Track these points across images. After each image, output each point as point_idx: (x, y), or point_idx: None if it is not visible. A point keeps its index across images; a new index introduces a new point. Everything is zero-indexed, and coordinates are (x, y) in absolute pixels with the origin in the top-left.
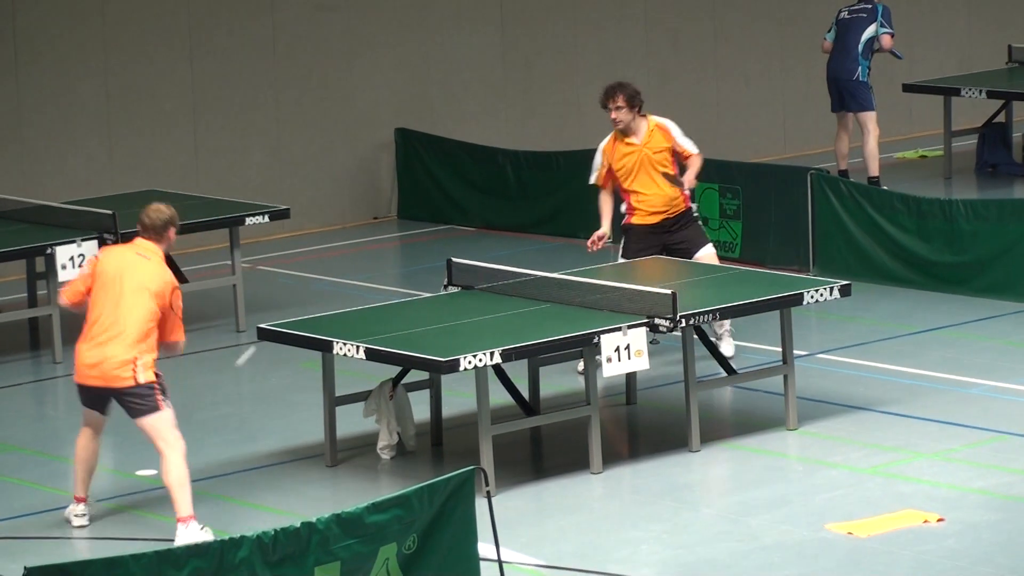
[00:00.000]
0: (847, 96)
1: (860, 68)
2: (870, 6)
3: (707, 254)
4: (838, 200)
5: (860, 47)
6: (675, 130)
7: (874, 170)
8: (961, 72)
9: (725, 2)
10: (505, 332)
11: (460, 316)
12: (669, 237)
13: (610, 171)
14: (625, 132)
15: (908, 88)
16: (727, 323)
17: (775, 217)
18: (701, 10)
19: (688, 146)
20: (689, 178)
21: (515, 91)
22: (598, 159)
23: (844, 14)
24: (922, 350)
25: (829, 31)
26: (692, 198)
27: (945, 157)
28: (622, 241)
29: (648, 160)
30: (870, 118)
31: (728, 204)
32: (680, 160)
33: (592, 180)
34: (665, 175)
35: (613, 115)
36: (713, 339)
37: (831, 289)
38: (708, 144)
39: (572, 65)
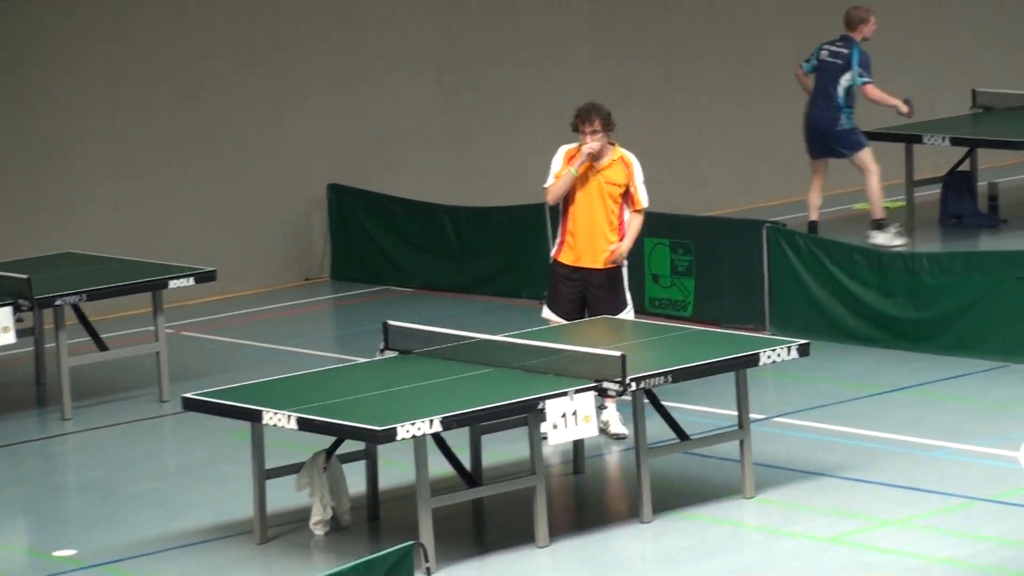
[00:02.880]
0: (835, 145)
1: (843, 116)
2: (846, 51)
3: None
4: (795, 255)
5: (840, 96)
6: (638, 169)
7: (878, 212)
8: (923, 118)
9: (676, 47)
10: (445, 398)
11: (397, 382)
12: (589, 292)
13: None
14: (597, 157)
15: (867, 135)
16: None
17: (730, 273)
18: (651, 55)
19: (642, 195)
20: (623, 249)
21: (455, 143)
22: (558, 162)
23: (824, 53)
24: (885, 412)
25: (807, 61)
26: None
27: (907, 208)
28: (548, 284)
29: (599, 188)
30: (866, 157)
31: (680, 260)
32: (628, 205)
33: (548, 184)
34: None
35: (589, 139)
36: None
37: (789, 349)
38: (658, 197)
39: (515, 115)
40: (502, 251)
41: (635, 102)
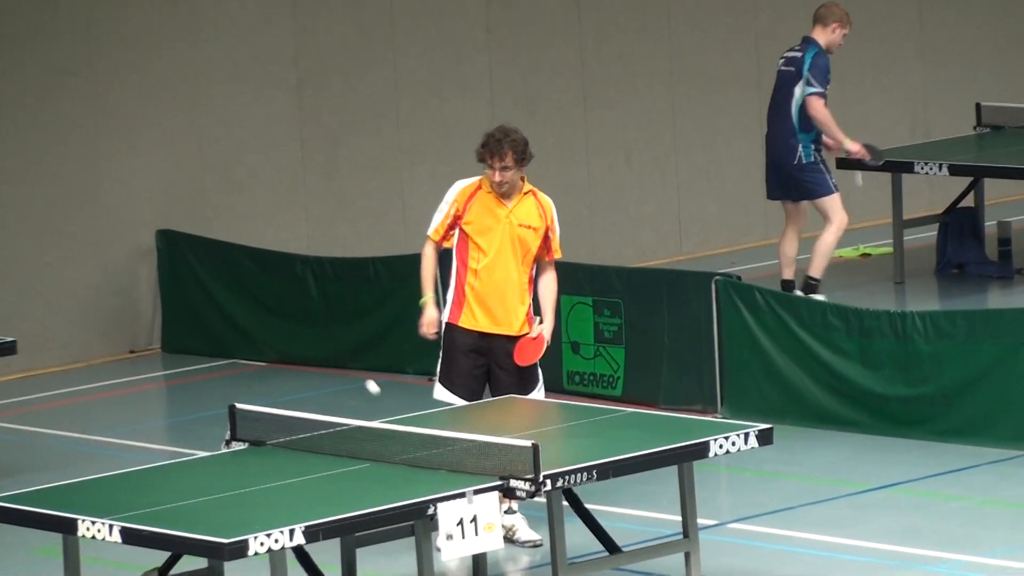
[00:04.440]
0: (792, 185)
1: (801, 147)
2: (800, 54)
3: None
4: (753, 316)
5: (795, 117)
6: (555, 212)
7: (816, 270)
8: (915, 141)
9: (596, 56)
10: (309, 502)
11: (248, 481)
12: (497, 365)
13: (455, 223)
14: (507, 195)
15: (844, 164)
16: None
17: (669, 340)
18: (565, 66)
19: (556, 242)
20: (551, 326)
21: (317, 177)
22: (446, 206)
23: (781, 62)
24: (869, 515)
25: None
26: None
27: (895, 255)
28: (440, 353)
29: (510, 232)
30: (830, 206)
31: (606, 324)
32: (540, 256)
33: (430, 231)
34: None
35: (498, 176)
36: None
37: (746, 435)
38: (578, 244)
39: (394, 143)
40: (380, 313)
41: (545, 124)
